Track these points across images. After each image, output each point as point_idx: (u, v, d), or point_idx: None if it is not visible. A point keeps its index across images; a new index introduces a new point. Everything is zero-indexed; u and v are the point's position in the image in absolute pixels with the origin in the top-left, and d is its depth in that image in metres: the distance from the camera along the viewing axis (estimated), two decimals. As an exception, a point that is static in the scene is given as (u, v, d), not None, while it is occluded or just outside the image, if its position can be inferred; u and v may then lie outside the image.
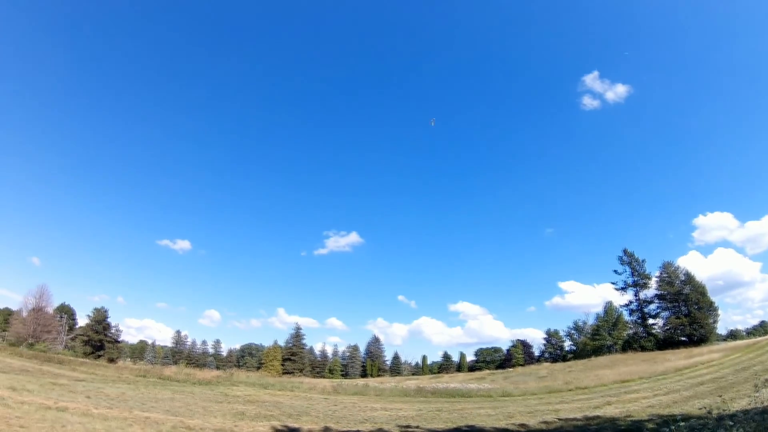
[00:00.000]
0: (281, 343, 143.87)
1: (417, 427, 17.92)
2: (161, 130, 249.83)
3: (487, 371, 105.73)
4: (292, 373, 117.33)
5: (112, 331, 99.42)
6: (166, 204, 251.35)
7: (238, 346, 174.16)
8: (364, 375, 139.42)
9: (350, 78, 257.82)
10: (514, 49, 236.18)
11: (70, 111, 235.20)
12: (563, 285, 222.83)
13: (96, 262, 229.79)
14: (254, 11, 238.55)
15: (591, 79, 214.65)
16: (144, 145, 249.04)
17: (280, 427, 16.11)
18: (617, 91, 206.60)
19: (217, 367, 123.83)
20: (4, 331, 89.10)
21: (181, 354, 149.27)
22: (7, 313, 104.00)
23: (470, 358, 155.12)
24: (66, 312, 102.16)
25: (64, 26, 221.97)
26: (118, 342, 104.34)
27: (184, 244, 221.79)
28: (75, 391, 21.66)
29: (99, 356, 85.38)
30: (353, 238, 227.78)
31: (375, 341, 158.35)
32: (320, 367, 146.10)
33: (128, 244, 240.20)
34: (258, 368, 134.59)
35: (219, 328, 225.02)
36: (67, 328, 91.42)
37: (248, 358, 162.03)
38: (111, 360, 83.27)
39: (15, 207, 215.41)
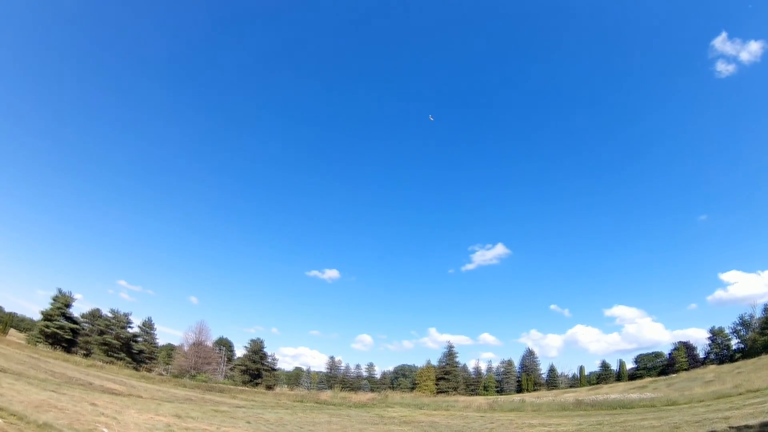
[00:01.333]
0: (434, 362, 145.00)
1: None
2: (304, 171, 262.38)
3: (649, 379, 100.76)
4: (447, 392, 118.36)
5: (269, 359, 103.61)
6: (312, 237, 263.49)
7: (391, 368, 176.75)
8: (519, 390, 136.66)
9: (485, 88, 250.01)
10: (637, 27, 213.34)
11: (220, 157, 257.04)
12: (724, 276, 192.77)
13: (250, 297, 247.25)
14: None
15: (720, 42, 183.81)
16: (287, 185, 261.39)
17: None
18: (751, 50, 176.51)
19: (372, 390, 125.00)
20: (168, 364, 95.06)
21: (335, 378, 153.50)
22: (171, 348, 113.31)
23: (630, 365, 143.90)
24: (224, 344, 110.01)
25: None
26: (275, 370, 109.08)
27: (332, 273, 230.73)
28: (236, 417, 23.44)
29: (257, 384, 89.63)
30: (499, 250, 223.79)
31: (529, 354, 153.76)
32: (474, 384, 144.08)
33: (279, 277, 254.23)
34: (412, 389, 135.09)
35: (372, 351, 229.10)
36: (225, 359, 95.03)
37: (402, 379, 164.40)
38: (268, 387, 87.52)
39: (174, 252, 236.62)
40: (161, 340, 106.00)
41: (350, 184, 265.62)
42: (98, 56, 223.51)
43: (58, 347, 75.27)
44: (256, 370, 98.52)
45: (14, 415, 13.14)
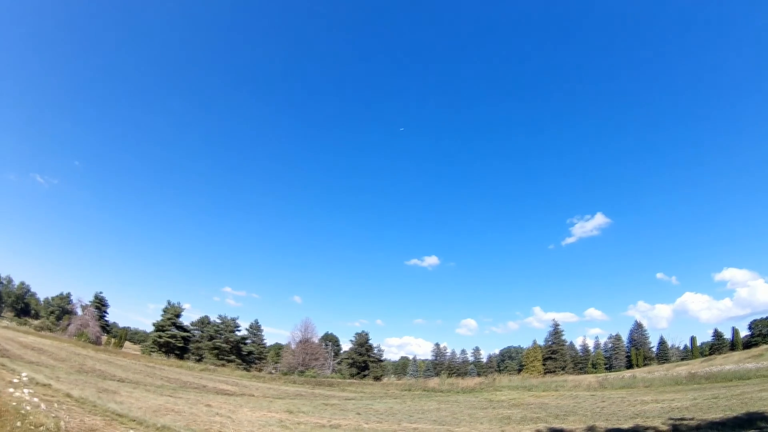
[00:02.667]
0: (540, 342, 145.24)
1: (692, 419, 16.49)
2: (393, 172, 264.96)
3: (765, 346, 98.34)
4: (554, 371, 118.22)
5: (375, 351, 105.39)
6: (409, 226, 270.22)
7: (497, 351, 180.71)
8: (629, 366, 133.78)
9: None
10: None
11: (312, 156, 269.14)
12: None
13: (352, 291, 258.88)
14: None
15: None
16: (380, 178, 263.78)
17: (545, 430, 15.92)
18: None
19: (478, 374, 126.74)
20: (277, 363, 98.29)
21: (441, 365, 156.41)
22: (278, 348, 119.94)
23: (744, 332, 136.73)
24: (330, 340, 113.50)
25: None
26: (381, 361, 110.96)
27: (432, 260, 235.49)
28: (346, 409, 24.17)
29: (364, 376, 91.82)
30: (599, 220, 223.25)
31: (638, 328, 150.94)
32: (582, 362, 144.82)
33: (380, 269, 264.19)
34: (519, 371, 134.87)
35: (477, 335, 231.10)
36: (332, 353, 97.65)
37: (508, 361, 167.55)
38: (376, 378, 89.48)
39: (275, 255, 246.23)
40: (269, 341, 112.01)
41: (438, 167, 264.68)
42: (204, 67, 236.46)
43: (171, 355, 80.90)
44: (363, 362, 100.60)
45: (134, 421, 14.06)
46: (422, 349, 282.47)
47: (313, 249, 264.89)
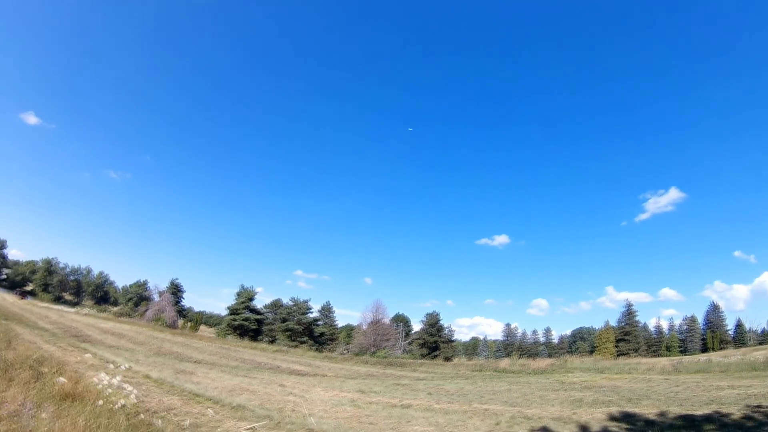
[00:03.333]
0: (613, 323, 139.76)
1: (770, 406, 15.37)
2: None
3: None
4: (627, 354, 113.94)
5: (445, 331, 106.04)
6: (479, 204, 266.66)
7: (568, 332, 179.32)
8: (704, 349, 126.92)
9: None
10: None
11: (378, 138, 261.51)
12: None
13: (423, 272, 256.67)
14: None
15: None
16: (452, 154, 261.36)
17: (617, 413, 15.80)
18: None
19: (549, 355, 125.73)
20: (348, 344, 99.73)
21: (512, 346, 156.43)
22: (350, 329, 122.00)
23: None
24: (401, 320, 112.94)
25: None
26: (452, 341, 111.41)
27: (502, 239, 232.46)
28: (417, 390, 24.50)
29: (435, 356, 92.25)
30: (673, 194, 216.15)
31: (714, 309, 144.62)
32: (656, 344, 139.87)
33: (450, 250, 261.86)
34: (591, 352, 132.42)
35: (548, 316, 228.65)
36: (403, 334, 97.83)
37: (580, 342, 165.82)
38: (447, 359, 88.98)
39: (345, 238, 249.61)
40: (340, 322, 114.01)
41: (508, 144, 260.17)
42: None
43: (245, 337, 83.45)
44: (434, 342, 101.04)
45: (210, 400, 14.57)
46: (493, 330, 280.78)
47: (383, 230, 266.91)
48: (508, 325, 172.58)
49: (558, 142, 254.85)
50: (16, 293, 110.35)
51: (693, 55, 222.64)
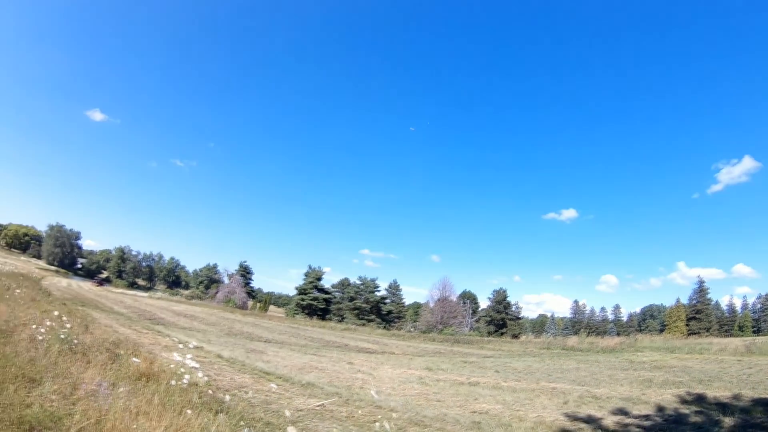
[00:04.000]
0: (684, 300, 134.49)
1: None
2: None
3: None
4: (698, 333, 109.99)
5: (513, 309, 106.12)
6: (545, 178, 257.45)
7: (638, 309, 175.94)
8: None
9: None
10: None
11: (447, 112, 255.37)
12: None
13: (490, 248, 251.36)
14: None
15: None
16: (519, 128, 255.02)
17: (688, 395, 15.58)
18: None
19: (618, 334, 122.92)
20: (415, 322, 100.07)
21: (580, 323, 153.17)
22: (417, 307, 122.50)
23: None
24: (468, 297, 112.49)
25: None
26: (519, 318, 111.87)
27: (570, 214, 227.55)
28: (484, 367, 24.69)
29: (502, 334, 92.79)
30: (747, 164, 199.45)
31: None
32: (728, 324, 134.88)
33: (517, 225, 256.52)
34: (661, 331, 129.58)
35: (617, 292, 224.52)
36: (470, 311, 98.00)
37: (650, 320, 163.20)
38: (514, 336, 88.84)
39: (412, 216, 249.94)
40: (407, 300, 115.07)
41: (574, 115, 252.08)
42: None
43: (314, 316, 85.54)
44: (501, 320, 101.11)
45: (280, 378, 14.88)
46: (561, 307, 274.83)
47: (450, 207, 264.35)
48: (576, 302, 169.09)
49: (625, 113, 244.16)
50: (95, 281, 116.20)
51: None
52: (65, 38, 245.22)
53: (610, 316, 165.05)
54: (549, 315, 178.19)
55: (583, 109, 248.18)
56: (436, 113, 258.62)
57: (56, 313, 14.23)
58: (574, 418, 12.39)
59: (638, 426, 11.65)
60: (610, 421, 12.18)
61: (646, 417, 12.66)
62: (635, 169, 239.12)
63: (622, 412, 13.17)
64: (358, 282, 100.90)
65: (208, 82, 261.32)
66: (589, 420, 12.14)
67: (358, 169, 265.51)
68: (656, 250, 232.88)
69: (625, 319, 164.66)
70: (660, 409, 13.43)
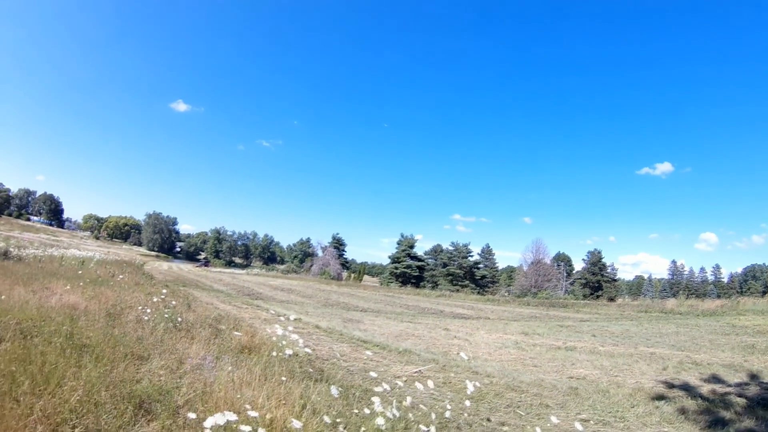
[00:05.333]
0: None
1: None
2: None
3: None
4: None
5: (608, 270, 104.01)
6: (638, 130, 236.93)
7: (740, 269, 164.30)
8: None
9: None
10: None
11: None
12: None
13: (583, 207, 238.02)
14: None
15: None
16: (608, 77, 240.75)
17: None
18: None
19: (718, 296, 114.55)
20: (509, 286, 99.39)
21: (678, 285, 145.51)
22: (510, 270, 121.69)
23: None
24: (563, 260, 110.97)
25: None
26: (615, 280, 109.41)
27: (665, 168, 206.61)
28: (580, 331, 24.55)
29: (598, 296, 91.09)
30: None
31: None
32: None
33: (609, 181, 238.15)
34: (763, 293, 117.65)
35: (717, 251, 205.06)
36: (565, 274, 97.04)
37: (752, 282, 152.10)
38: (610, 299, 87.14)
39: (502, 178, 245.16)
40: (500, 264, 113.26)
41: (669, 60, 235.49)
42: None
43: (407, 284, 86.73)
44: (597, 282, 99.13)
45: (378, 346, 15.11)
46: (658, 267, 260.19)
47: (540, 167, 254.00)
48: (673, 262, 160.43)
49: (722, 54, 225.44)
50: (201, 263, 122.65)
51: None
52: (142, 37, 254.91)
53: (710, 277, 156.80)
54: (646, 276, 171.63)
55: (679, 54, 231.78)
56: (518, 75, 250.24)
57: (160, 294, 14.99)
58: (673, 385, 11.96)
59: (740, 395, 11.09)
60: (709, 388, 11.71)
61: (748, 385, 12.15)
62: (735, 117, 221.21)
63: (722, 380, 12.64)
64: (451, 248, 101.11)
65: (286, 60, 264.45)
66: (688, 387, 11.67)
67: (446, 132, 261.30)
68: (760, 204, 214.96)
69: (725, 280, 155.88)
70: (762, 377, 12.86)
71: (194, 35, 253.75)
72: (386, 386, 5.08)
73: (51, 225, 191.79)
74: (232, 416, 3.62)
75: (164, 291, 16.70)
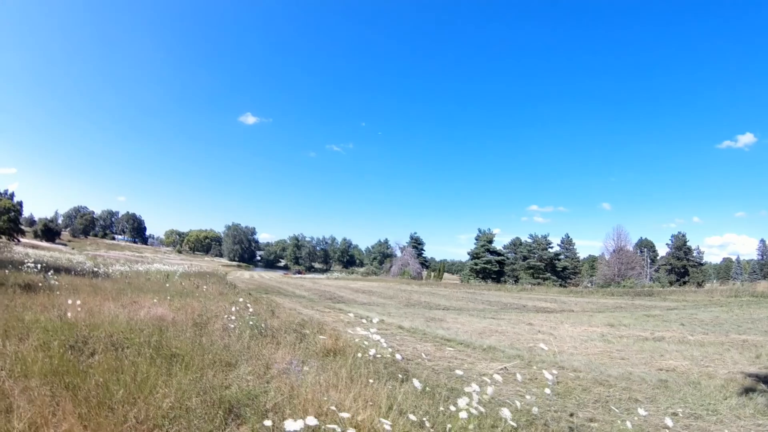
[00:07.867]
0: None
1: None
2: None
3: None
4: None
5: (694, 254, 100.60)
6: (715, 101, 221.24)
7: None
8: None
9: None
10: None
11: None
12: None
13: (663, 188, 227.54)
14: None
15: None
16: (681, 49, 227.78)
17: None
18: None
19: None
20: (591, 276, 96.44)
21: None
22: (592, 260, 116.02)
23: None
24: (646, 245, 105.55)
25: None
26: (702, 264, 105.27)
27: (747, 139, 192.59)
28: (668, 320, 23.76)
29: (684, 282, 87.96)
30: None
31: None
32: None
33: (689, 157, 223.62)
34: None
35: None
36: (649, 261, 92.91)
37: None
38: (698, 284, 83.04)
39: (579, 164, 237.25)
40: (581, 254, 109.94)
41: (744, 28, 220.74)
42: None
43: (488, 280, 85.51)
44: (682, 267, 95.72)
45: (461, 344, 14.90)
46: (746, 248, 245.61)
47: (617, 148, 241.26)
48: (762, 241, 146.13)
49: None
50: (294, 273, 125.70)
51: None
52: (207, 56, 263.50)
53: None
54: (734, 258, 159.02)
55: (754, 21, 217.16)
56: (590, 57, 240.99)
57: (243, 302, 15.41)
58: (768, 375, 11.18)
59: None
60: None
61: None
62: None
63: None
64: (530, 240, 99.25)
65: (349, 65, 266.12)
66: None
67: (516, 122, 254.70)
68: None
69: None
70: None
71: (257, 51, 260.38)
72: (475, 386, 4.92)
73: (135, 242, 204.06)
74: (313, 421, 3.59)
75: (248, 299, 17.16)
